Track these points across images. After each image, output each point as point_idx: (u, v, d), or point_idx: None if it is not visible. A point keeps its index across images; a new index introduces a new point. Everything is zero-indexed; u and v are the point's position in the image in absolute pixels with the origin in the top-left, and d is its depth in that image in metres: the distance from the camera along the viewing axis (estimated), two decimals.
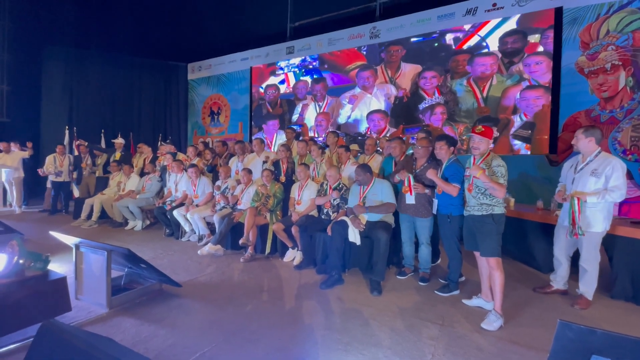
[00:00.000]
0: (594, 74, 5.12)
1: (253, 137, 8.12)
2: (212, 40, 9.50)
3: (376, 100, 7.09)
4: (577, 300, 2.79)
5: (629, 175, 4.81)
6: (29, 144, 6.95)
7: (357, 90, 7.33)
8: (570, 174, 2.87)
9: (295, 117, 8.20)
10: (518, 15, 5.68)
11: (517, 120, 5.69)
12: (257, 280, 3.31)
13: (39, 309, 2.22)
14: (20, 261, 2.17)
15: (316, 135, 7.74)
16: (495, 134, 5.74)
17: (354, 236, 3.26)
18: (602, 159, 2.67)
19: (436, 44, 6.44)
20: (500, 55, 5.82)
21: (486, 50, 5.96)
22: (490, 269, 2.54)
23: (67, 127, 8.12)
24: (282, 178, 4.57)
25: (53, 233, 2.85)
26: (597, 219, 2.67)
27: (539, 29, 5.52)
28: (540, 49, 5.51)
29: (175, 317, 2.52)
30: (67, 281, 2.34)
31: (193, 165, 4.91)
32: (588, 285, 2.77)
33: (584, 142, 2.72)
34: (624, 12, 4.93)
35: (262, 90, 8.72)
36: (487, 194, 2.55)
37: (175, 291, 2.95)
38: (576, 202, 2.65)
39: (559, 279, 3.03)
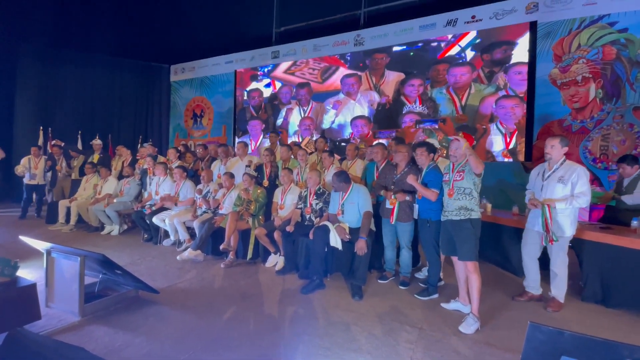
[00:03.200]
0: (566, 86, 5.36)
1: (237, 141, 8.05)
2: (196, 43, 9.38)
3: (360, 107, 7.18)
4: (550, 303, 2.89)
5: (599, 183, 5.04)
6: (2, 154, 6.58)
7: (341, 96, 7.40)
8: (538, 181, 2.97)
9: (279, 122, 8.19)
10: (496, 27, 5.89)
11: (492, 128, 5.88)
12: (238, 286, 3.26)
13: (7, 317, 2.12)
14: None
15: (300, 140, 7.75)
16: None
17: (335, 241, 3.27)
18: (567, 166, 2.81)
19: (416, 53, 6.59)
20: (480, 65, 6.01)
21: (464, 60, 6.15)
22: (468, 273, 2.60)
23: (41, 128, 7.82)
24: (265, 182, 4.54)
25: (23, 238, 2.74)
26: (566, 224, 2.79)
27: (515, 42, 5.75)
28: (518, 60, 5.73)
29: (151, 325, 2.46)
30: (36, 288, 2.25)
31: (180, 165, 4.85)
32: (559, 289, 2.87)
33: (560, 151, 2.83)
34: (594, 27, 5.19)
35: (245, 94, 8.69)
36: (467, 192, 2.62)
37: (152, 298, 2.88)
38: (547, 209, 2.75)
39: (532, 283, 3.07)
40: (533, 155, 5.51)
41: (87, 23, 9.03)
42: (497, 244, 3.91)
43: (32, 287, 2.23)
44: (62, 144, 6.71)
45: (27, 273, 3.29)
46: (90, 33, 9.01)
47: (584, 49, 5.26)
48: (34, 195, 6.49)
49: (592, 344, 1.26)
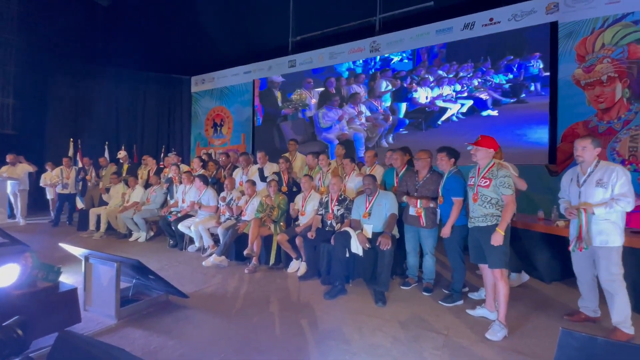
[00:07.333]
0: (591, 86, 5.23)
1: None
2: (215, 54, 9.66)
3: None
4: (614, 335, 2.40)
5: None
6: (35, 167, 7.03)
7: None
8: (573, 188, 2.66)
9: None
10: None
11: None
12: (263, 291, 3.34)
13: (50, 320, 2.25)
14: (34, 273, 2.22)
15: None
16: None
17: (356, 247, 3.30)
18: (604, 167, 2.49)
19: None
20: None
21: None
22: (496, 280, 2.57)
23: (71, 140, 8.22)
24: (284, 188, 4.62)
25: (63, 245, 2.90)
26: (614, 232, 2.43)
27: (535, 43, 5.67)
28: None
29: (182, 328, 2.55)
30: (77, 292, 2.38)
31: (201, 175, 5.03)
32: (619, 314, 2.41)
33: (592, 153, 2.52)
34: (618, 26, 5.06)
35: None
36: (493, 202, 2.59)
37: (181, 302, 2.98)
38: (583, 213, 2.46)
39: (588, 304, 2.75)
40: (557, 158, 5.38)
41: (113, 39, 9.51)
42: (522, 250, 3.83)
43: (73, 291, 2.37)
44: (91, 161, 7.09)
45: (64, 278, 3.46)
46: (115, 48, 9.48)
47: (608, 48, 5.12)
48: (66, 204, 6.82)
49: (626, 350, 1.24)
